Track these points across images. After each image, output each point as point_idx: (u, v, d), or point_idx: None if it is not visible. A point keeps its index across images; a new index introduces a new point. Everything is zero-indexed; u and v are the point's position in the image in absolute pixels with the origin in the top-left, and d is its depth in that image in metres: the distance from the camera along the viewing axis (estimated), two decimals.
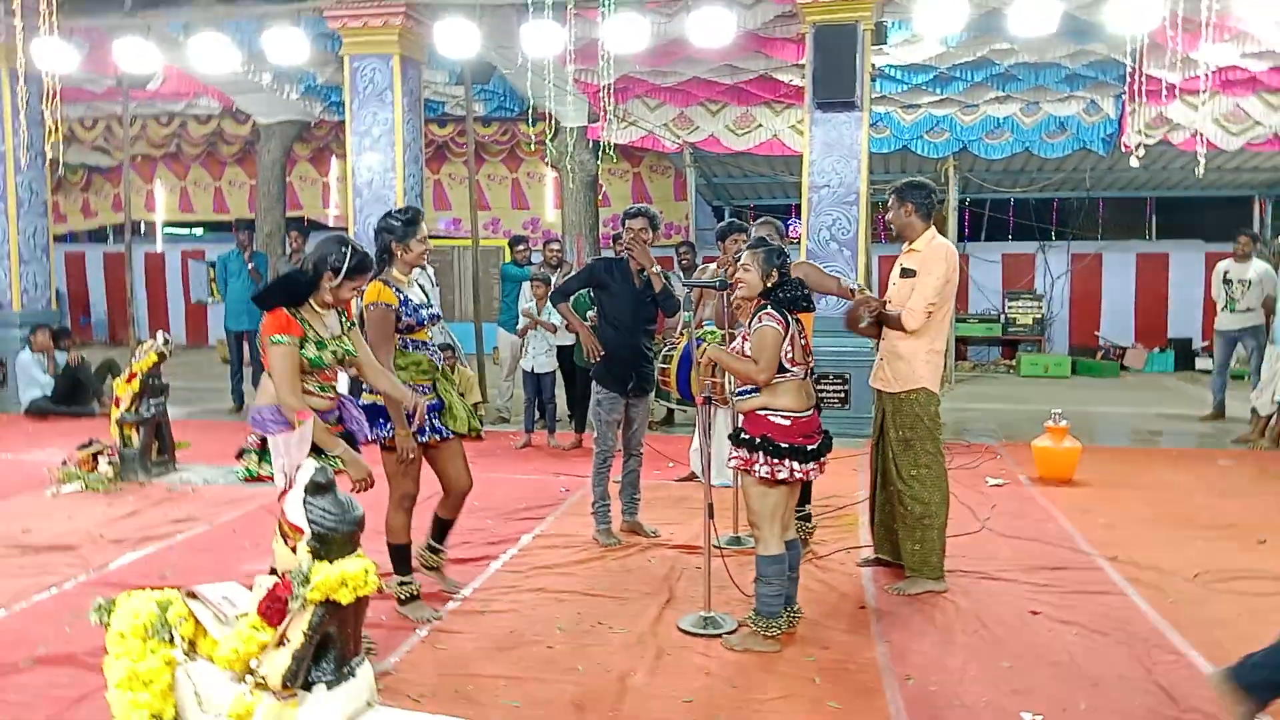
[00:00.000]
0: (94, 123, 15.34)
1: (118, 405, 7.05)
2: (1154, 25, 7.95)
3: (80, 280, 18.51)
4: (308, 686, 2.40)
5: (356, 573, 2.43)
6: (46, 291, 10.81)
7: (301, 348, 3.50)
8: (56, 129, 10.11)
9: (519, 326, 8.52)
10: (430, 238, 4.43)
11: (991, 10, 8.98)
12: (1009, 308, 14.86)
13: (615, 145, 12.06)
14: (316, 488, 2.49)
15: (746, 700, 3.47)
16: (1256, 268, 9.17)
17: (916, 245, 4.67)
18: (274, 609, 2.37)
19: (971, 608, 4.39)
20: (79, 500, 6.41)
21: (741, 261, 4.07)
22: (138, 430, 7.01)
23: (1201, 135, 10.01)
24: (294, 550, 2.47)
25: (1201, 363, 13.52)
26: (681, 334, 6.80)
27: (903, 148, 12.40)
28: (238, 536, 5.58)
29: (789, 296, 3.96)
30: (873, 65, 9.36)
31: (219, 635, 2.43)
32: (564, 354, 8.40)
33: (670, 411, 9.07)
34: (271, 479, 3.50)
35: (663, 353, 6.86)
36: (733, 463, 4.02)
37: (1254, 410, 8.62)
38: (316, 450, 3.51)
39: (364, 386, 4.24)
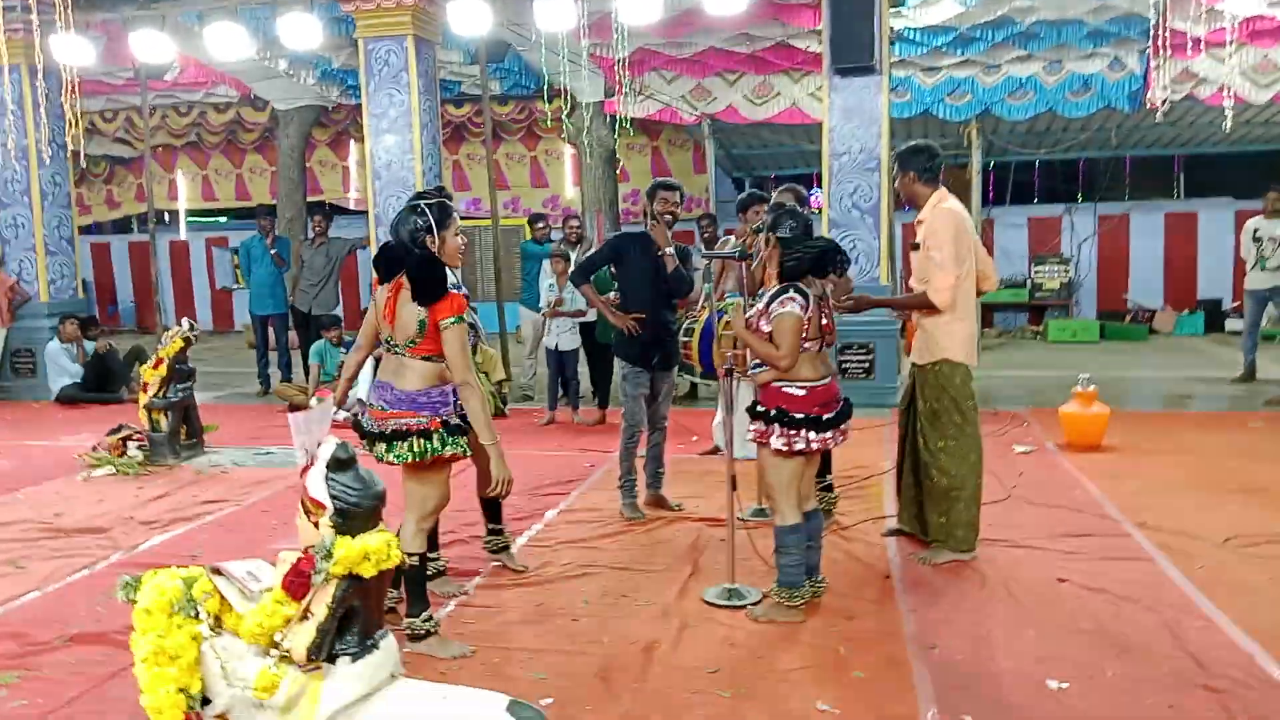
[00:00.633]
0: (114, 115, 15.44)
1: (146, 391, 7.14)
2: None
3: (106, 270, 18.71)
4: (332, 659, 2.42)
5: (378, 546, 2.44)
6: (73, 282, 10.93)
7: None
8: (77, 122, 10.18)
9: (542, 310, 8.52)
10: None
11: None
12: (1035, 272, 14.70)
13: (633, 119, 12.00)
14: (338, 464, 2.51)
15: (771, 670, 3.47)
16: None
17: (923, 214, 4.57)
18: (298, 583, 2.39)
19: (998, 576, 4.37)
20: (109, 484, 6.50)
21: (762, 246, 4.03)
22: (166, 415, 7.09)
23: (1229, 89, 9.82)
24: (316, 525, 2.49)
25: (1232, 324, 13.32)
26: (703, 307, 6.77)
27: (924, 111, 12.23)
28: (267, 516, 5.64)
29: (806, 259, 3.84)
30: (891, 28, 9.24)
31: (244, 610, 2.46)
32: (587, 331, 8.40)
33: (694, 386, 9.06)
34: (459, 457, 3.62)
35: (685, 326, 6.85)
36: (749, 435, 3.99)
37: None
38: (463, 429, 3.59)
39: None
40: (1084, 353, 12.28)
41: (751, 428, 3.95)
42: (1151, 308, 14.64)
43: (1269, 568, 4.39)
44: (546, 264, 8.55)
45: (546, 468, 6.56)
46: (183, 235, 18.61)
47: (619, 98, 11.46)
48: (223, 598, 2.54)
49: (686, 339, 6.84)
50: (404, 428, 3.57)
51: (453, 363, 3.56)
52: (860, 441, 6.96)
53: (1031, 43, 11.09)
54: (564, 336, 8.33)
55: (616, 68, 10.00)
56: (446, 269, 3.60)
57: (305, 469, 2.60)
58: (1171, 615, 3.86)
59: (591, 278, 5.63)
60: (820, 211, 9.04)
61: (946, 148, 13.81)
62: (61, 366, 9.93)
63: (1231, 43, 9.18)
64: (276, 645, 2.44)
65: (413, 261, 3.52)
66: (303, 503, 2.58)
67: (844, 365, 8.56)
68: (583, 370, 8.61)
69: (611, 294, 6.30)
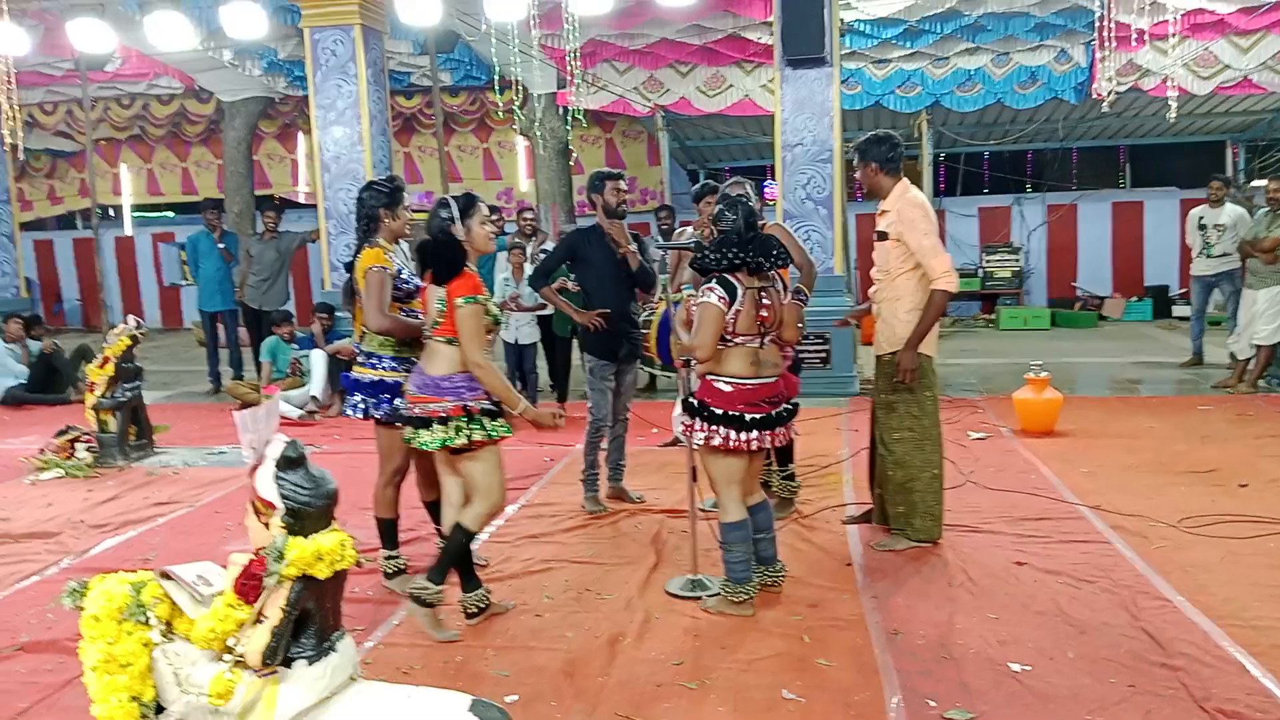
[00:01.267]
0: (54, 107, 15.07)
1: (93, 391, 6.97)
2: None
3: (50, 268, 18.27)
4: (288, 663, 2.36)
5: (332, 546, 2.38)
6: (15, 280, 10.67)
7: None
8: (15, 115, 9.92)
9: (498, 303, 8.43)
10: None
11: None
12: (987, 262, 14.91)
13: (585, 111, 11.94)
14: (288, 462, 2.44)
15: (735, 660, 3.46)
16: (1230, 212, 9.18)
17: (887, 204, 4.53)
18: (249, 586, 2.33)
19: (957, 560, 4.40)
20: (58, 487, 6.34)
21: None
22: (114, 415, 6.93)
23: (1172, 80, 10.02)
24: (267, 526, 2.43)
25: (1179, 310, 13.61)
26: (660, 299, 6.75)
27: (875, 104, 12.35)
28: (220, 517, 5.52)
29: (727, 256, 3.76)
30: (841, 20, 9.29)
31: (195, 615, 2.39)
32: (544, 323, 8.34)
33: (652, 378, 9.04)
34: (485, 443, 3.64)
35: (642, 318, 6.82)
36: (678, 428, 3.96)
37: (1232, 355, 8.68)
38: (494, 413, 3.66)
39: (362, 361, 4.20)
40: (1035, 340, 12.46)
41: (682, 419, 3.92)
42: (1100, 295, 14.91)
43: (1221, 547, 4.47)
44: (502, 257, 8.46)
45: (506, 462, 6.48)
46: (128, 231, 18.23)
47: (571, 89, 11.39)
48: (173, 603, 2.47)
49: (645, 331, 6.81)
50: (429, 413, 3.63)
51: (465, 342, 3.61)
52: (819, 430, 7.01)
53: (979, 35, 11.23)
54: (523, 330, 8.27)
55: (568, 59, 9.94)
56: (466, 253, 3.73)
57: (254, 468, 2.53)
58: (1128, 596, 3.91)
59: (551, 278, 5.58)
60: (774, 203, 9.06)
61: None
62: (5, 367, 9.66)
63: (1174, 35, 9.35)
64: (230, 650, 2.37)
65: (431, 244, 3.71)
66: (252, 503, 2.52)
67: (801, 354, 8.58)
68: (541, 363, 8.55)
69: (568, 281, 6.24)
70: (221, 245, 9.82)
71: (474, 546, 4.60)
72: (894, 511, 4.63)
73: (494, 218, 9.28)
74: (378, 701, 2.46)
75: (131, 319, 7.21)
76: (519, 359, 8.31)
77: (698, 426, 3.82)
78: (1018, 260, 14.82)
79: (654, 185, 15.57)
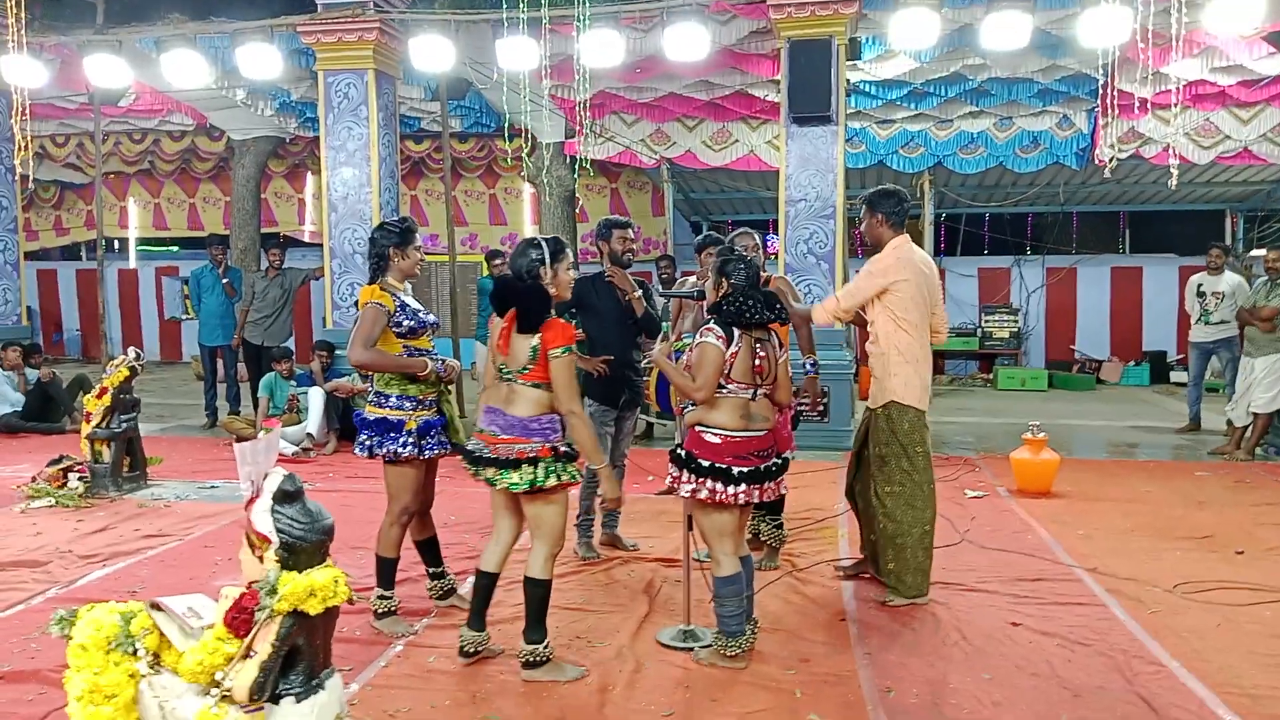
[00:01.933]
0: (66, 139, 15.22)
1: (89, 421, 6.96)
2: (1125, 40, 8.04)
3: (53, 297, 18.32)
4: (275, 699, 2.34)
5: (325, 582, 2.37)
6: (17, 308, 10.69)
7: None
8: (26, 145, 10.02)
9: None
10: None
11: (964, 26, 9.07)
12: (985, 321, 14.95)
13: (592, 161, 12.09)
14: (284, 496, 2.44)
15: (726, 713, 3.42)
16: (1229, 280, 9.26)
17: (880, 256, 4.63)
18: (240, 620, 2.31)
19: (952, 619, 4.37)
20: (48, 516, 6.30)
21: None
22: (109, 445, 6.91)
23: (1173, 149, 10.13)
24: (261, 560, 2.42)
25: (1177, 375, 13.63)
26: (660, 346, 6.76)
27: (878, 163, 12.49)
28: (210, 552, 5.48)
29: (734, 310, 3.77)
30: (847, 80, 9.42)
31: (184, 647, 2.37)
32: None
33: (649, 425, 9.03)
34: (564, 486, 3.66)
35: (644, 363, 6.83)
36: (668, 480, 3.93)
37: (1229, 422, 8.68)
38: (573, 456, 3.69)
39: (371, 399, 4.21)
40: (1032, 400, 12.47)
41: (671, 470, 3.89)
42: (1098, 358, 14.94)
43: (1217, 613, 4.44)
44: None
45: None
46: (132, 264, 18.30)
47: (579, 139, 11.53)
48: (162, 634, 2.45)
49: (645, 378, 6.81)
50: (515, 454, 3.63)
51: (560, 391, 3.65)
52: (815, 483, 6.98)
53: (983, 99, 11.39)
54: None
55: (578, 109, 10.07)
56: (562, 278, 3.84)
57: (250, 501, 2.53)
58: (1123, 660, 3.88)
59: None
60: (776, 257, 9.12)
61: None
62: (2, 394, 9.65)
63: (1176, 105, 9.49)
64: (218, 684, 2.35)
65: (522, 292, 3.71)
66: (247, 536, 2.51)
67: (800, 408, 8.59)
68: None
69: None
70: (225, 280, 9.87)
71: (462, 591, 4.58)
72: (885, 567, 4.61)
73: (496, 261, 9.44)
74: None
75: (131, 350, 7.22)
76: None
77: (684, 478, 3.79)
78: (1016, 321, 14.88)
79: (657, 235, 15.68)
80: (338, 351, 8.90)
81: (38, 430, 9.43)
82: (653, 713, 3.43)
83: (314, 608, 2.37)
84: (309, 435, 8.51)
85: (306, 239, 16.94)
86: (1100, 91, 10.40)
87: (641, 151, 12.56)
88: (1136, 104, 9.94)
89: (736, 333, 3.76)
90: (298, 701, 2.37)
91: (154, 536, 5.79)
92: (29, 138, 10.01)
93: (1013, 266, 15.64)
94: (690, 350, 4.05)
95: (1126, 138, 11.17)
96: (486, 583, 3.86)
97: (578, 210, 14.03)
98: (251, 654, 2.34)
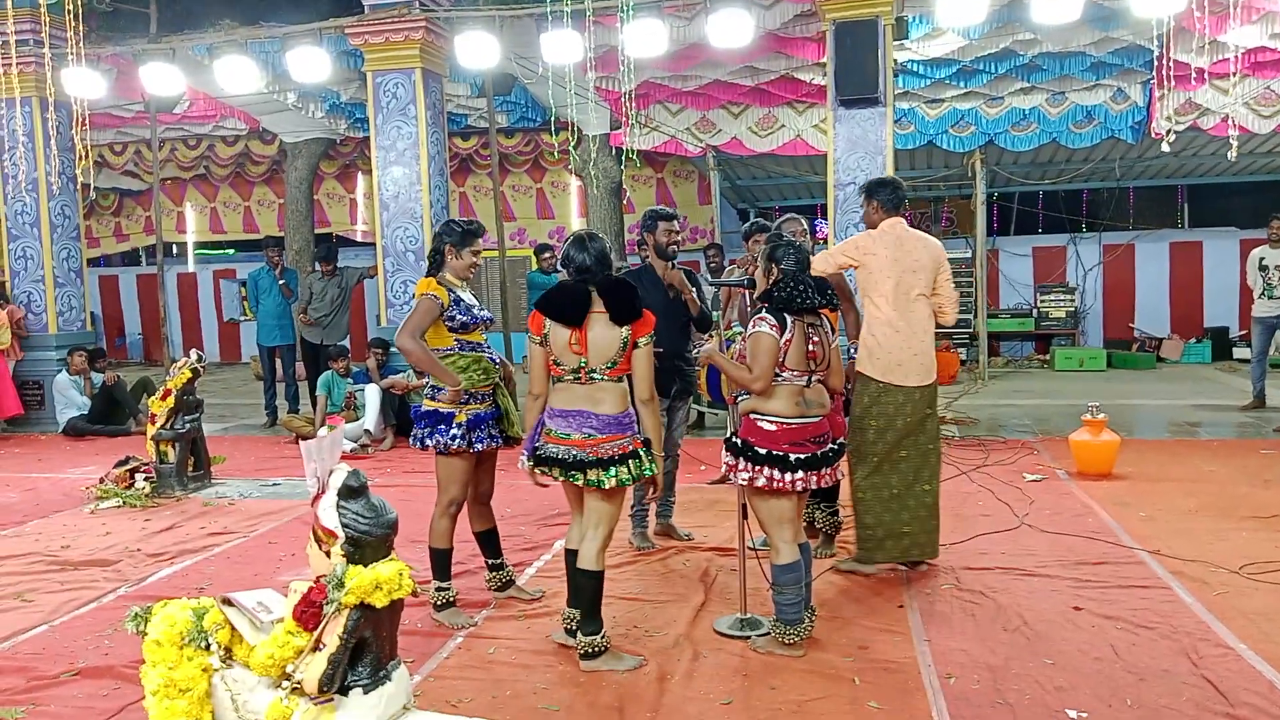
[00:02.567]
0: (123, 148, 15.58)
1: (153, 422, 7.14)
2: (1180, 9, 7.85)
3: (115, 302, 18.78)
4: (344, 691, 2.40)
5: (390, 575, 2.43)
6: (81, 314, 10.97)
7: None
8: (86, 154, 10.28)
9: None
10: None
11: (1013, 1, 8.91)
12: (1041, 302, 14.70)
13: (638, 151, 12.08)
14: (350, 491, 2.49)
15: (785, 701, 3.43)
16: None
17: None
18: (309, 613, 2.37)
19: (1012, 604, 4.33)
20: (116, 516, 6.48)
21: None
22: (173, 446, 7.09)
23: (1232, 119, 9.87)
24: (328, 555, 2.48)
25: (1239, 352, 13.30)
26: (710, 335, 6.76)
27: (928, 143, 12.33)
28: (274, 548, 5.61)
29: (783, 295, 3.78)
30: (895, 60, 9.31)
31: (254, 641, 2.44)
32: None
33: (700, 415, 9.04)
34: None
35: (694, 353, 6.84)
36: (723, 468, 3.95)
37: None
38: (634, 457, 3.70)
39: (425, 392, 4.29)
40: (1091, 381, 12.25)
41: (726, 459, 3.90)
42: (1158, 336, 14.63)
43: None
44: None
45: (555, 497, 6.50)
46: (190, 267, 18.71)
47: (625, 130, 11.53)
48: (233, 629, 2.52)
49: (695, 368, 6.82)
50: (619, 451, 3.68)
51: (642, 380, 3.73)
52: None
53: (1034, 74, 11.18)
54: None
55: (623, 100, 10.08)
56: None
57: (316, 497, 2.59)
58: (1189, 643, 3.82)
59: None
60: (825, 242, 9.06)
61: (950, 179, 13.98)
62: (69, 398, 9.94)
63: (1235, 74, 9.24)
64: (288, 677, 2.41)
65: (608, 284, 3.73)
66: (314, 531, 2.57)
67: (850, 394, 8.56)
68: None
69: None
70: (282, 281, 10.05)
71: (521, 582, 4.64)
72: (934, 540, 4.79)
73: (545, 255, 9.49)
74: None
75: (194, 352, 7.38)
76: None
77: (741, 466, 3.81)
78: (1073, 300, 14.61)
79: (704, 224, 15.64)
80: (392, 349, 9.02)
81: (104, 433, 9.70)
82: (711, 701, 3.44)
83: (380, 600, 2.42)
84: (366, 432, 8.65)
85: (359, 238, 17.17)
86: (1155, 63, 10.16)
87: (687, 140, 12.53)
88: (1193, 74, 9.70)
89: (789, 319, 3.76)
90: (365, 693, 2.43)
91: (219, 534, 5.93)
92: (89, 147, 10.26)
93: (1068, 244, 15.35)
94: (741, 340, 4.05)
95: (1184, 109, 10.89)
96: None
97: (624, 202, 14.06)
98: (320, 647, 2.40)
